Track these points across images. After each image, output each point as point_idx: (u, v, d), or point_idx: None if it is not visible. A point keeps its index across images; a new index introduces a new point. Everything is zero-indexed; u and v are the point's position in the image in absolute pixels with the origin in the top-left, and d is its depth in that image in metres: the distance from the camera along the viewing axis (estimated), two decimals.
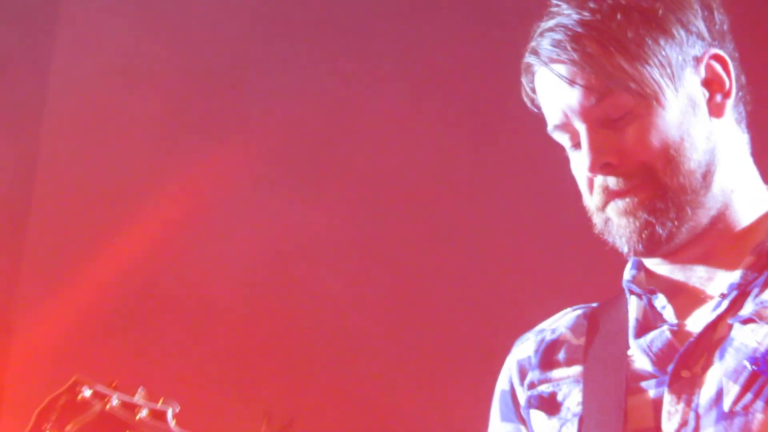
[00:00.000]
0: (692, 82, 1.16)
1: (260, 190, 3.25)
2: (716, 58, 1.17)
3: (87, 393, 1.19)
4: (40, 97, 4.31)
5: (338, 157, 3.23)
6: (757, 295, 1.10)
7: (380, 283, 3.06)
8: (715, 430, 1.04)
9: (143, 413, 1.18)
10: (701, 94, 1.16)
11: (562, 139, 1.21)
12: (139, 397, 1.21)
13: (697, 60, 1.16)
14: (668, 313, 1.19)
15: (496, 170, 2.99)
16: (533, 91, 1.23)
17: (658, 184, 1.13)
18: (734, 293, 1.12)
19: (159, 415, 1.17)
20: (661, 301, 1.21)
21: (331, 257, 3.13)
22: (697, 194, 1.15)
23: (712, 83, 1.17)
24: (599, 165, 1.14)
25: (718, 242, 1.18)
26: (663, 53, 1.12)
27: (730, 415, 1.03)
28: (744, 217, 1.19)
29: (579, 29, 1.12)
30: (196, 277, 3.15)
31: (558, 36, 1.13)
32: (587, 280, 1.50)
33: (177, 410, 1.20)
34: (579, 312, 1.33)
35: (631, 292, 1.25)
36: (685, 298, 1.20)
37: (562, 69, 1.13)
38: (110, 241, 3.30)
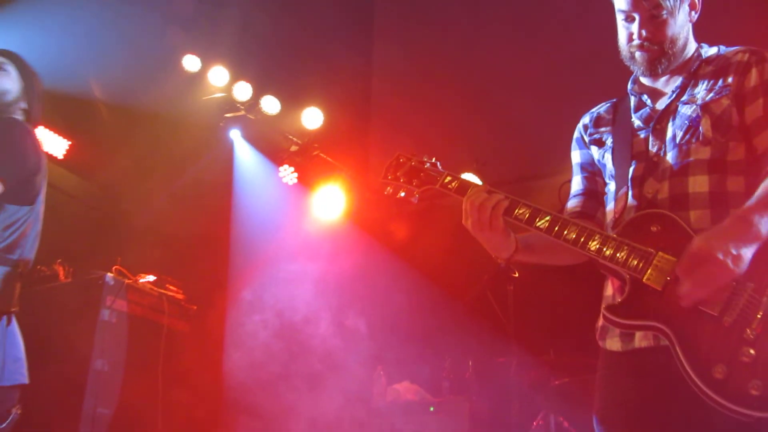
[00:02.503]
0: (688, 5, 2.24)
1: None
2: None
3: (421, 162, 2.41)
4: None
5: None
6: (690, 91, 2.21)
7: None
8: (672, 152, 2.16)
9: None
10: (689, 11, 2.25)
11: (621, 16, 2.23)
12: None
13: None
14: (649, 102, 2.31)
15: None
16: None
17: (663, 49, 2.20)
18: (678, 90, 2.24)
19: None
20: (645, 97, 2.32)
21: None
22: (678, 53, 2.23)
23: (694, 6, 2.26)
24: (642, 34, 2.18)
25: (675, 70, 2.26)
26: None
27: (679, 145, 2.15)
28: (687, 58, 2.27)
29: None
30: None
31: None
32: (611, 94, 2.52)
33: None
34: (608, 103, 2.48)
35: (631, 94, 2.38)
36: (657, 95, 2.31)
37: None
38: None
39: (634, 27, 2.19)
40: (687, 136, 2.14)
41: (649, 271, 1.94)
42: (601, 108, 2.48)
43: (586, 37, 5.25)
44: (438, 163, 2.40)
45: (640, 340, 2.07)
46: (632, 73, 2.37)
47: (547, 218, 2.10)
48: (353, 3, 7.20)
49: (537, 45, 5.99)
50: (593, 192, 2.41)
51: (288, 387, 5.64)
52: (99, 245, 5.99)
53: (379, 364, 5.62)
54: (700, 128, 2.11)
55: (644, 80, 2.34)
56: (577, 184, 2.47)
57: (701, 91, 2.18)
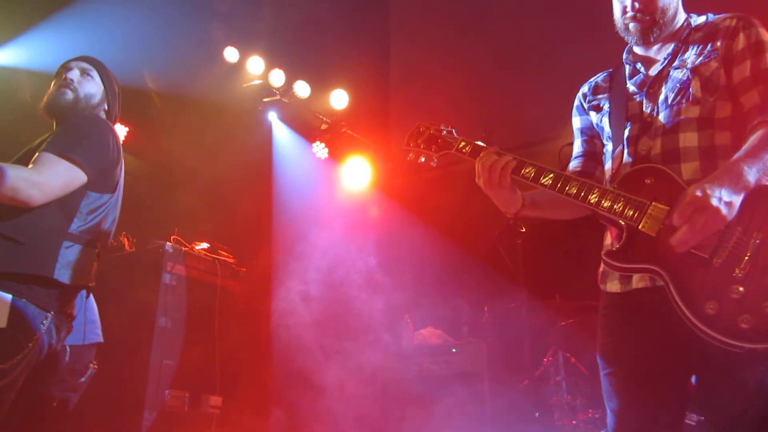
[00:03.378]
0: None
1: None
2: None
3: (439, 129, 2.37)
4: None
5: None
6: (680, 57, 2.14)
7: None
8: (664, 113, 2.09)
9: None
10: None
11: None
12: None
13: None
14: (642, 69, 2.23)
15: None
16: None
17: (655, 19, 2.13)
18: (669, 57, 2.16)
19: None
20: (639, 65, 2.24)
21: None
22: (668, 22, 2.16)
23: None
24: (635, 6, 2.12)
25: (666, 39, 2.19)
26: None
27: (671, 105, 2.08)
28: (677, 27, 2.19)
29: None
30: None
31: None
32: (607, 64, 2.43)
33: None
34: (605, 73, 2.39)
35: (625, 63, 2.30)
36: (650, 62, 2.23)
37: None
38: None
39: (627, 0, 2.14)
40: (678, 97, 2.07)
41: (644, 220, 1.90)
42: (599, 77, 2.41)
43: (580, 11, 5.14)
44: (453, 131, 2.37)
45: (637, 281, 2.04)
46: (626, 44, 2.29)
47: (551, 175, 2.07)
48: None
49: (534, 22, 5.87)
50: (592, 153, 2.36)
51: (327, 333, 5.66)
52: (158, 218, 6.02)
53: (405, 313, 5.62)
54: (690, 89, 2.05)
55: (637, 49, 2.27)
56: (577, 147, 2.42)
57: (691, 55, 2.11)
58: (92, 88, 2.80)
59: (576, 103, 2.46)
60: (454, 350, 5.09)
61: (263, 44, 6.42)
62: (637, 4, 2.12)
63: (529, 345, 4.69)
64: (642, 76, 2.22)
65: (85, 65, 2.82)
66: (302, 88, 6.50)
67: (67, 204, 2.50)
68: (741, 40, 2.04)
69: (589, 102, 2.38)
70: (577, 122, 2.44)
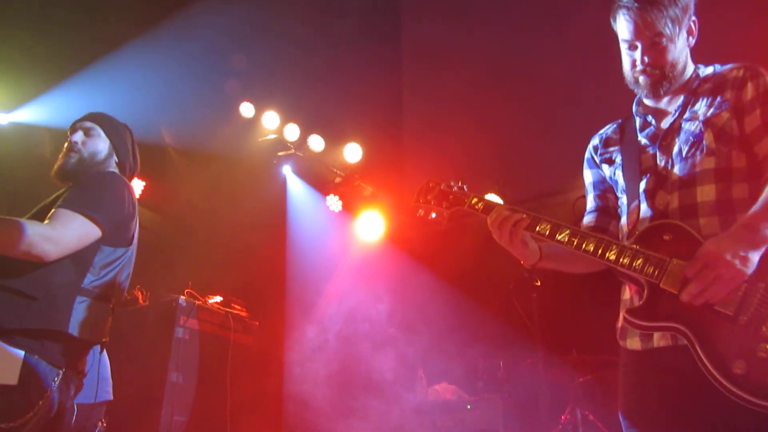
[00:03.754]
0: (686, 31, 2.14)
1: None
2: (694, 21, 2.16)
3: (449, 186, 2.35)
4: None
5: None
6: (691, 109, 2.13)
7: None
8: (679, 165, 2.07)
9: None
10: (687, 37, 2.15)
11: (624, 45, 2.16)
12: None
13: (689, 22, 2.14)
14: (653, 121, 2.22)
15: None
16: (614, 20, 2.17)
17: (665, 73, 2.12)
18: (680, 109, 2.16)
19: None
20: (650, 117, 2.24)
21: None
22: (678, 75, 2.14)
23: (692, 32, 2.17)
24: (644, 60, 2.11)
25: (676, 90, 2.17)
26: (683, 19, 2.10)
27: (686, 158, 2.06)
28: (686, 79, 2.18)
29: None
30: None
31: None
32: (620, 114, 2.41)
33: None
34: (615, 125, 2.39)
35: (636, 115, 2.29)
36: (660, 114, 2.22)
37: (641, 14, 2.06)
38: None
39: (637, 54, 2.12)
40: (692, 150, 2.05)
41: (664, 277, 1.86)
42: (609, 129, 2.39)
43: (593, 63, 5.18)
44: (464, 186, 2.35)
45: (659, 340, 1.98)
46: (635, 94, 2.28)
47: (567, 232, 2.04)
48: (383, 54, 7.23)
49: (547, 75, 5.93)
50: (605, 208, 2.33)
51: (340, 388, 5.57)
52: (173, 271, 6.02)
53: (419, 368, 5.52)
54: (704, 141, 2.03)
55: (648, 101, 2.25)
56: (590, 202, 2.40)
57: (702, 107, 2.10)
58: (97, 145, 2.81)
59: (587, 156, 2.43)
60: (468, 406, 4.98)
61: (278, 99, 6.52)
62: (646, 58, 2.10)
63: (546, 401, 4.57)
64: (653, 128, 2.20)
65: (88, 124, 2.84)
66: (316, 142, 6.56)
67: (80, 258, 2.50)
68: (750, 90, 2.03)
69: (600, 155, 2.36)
70: (588, 176, 2.42)
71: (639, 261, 1.91)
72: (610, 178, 2.31)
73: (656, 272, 1.88)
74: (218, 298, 5.45)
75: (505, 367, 5.13)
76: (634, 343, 2.07)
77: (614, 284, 2.24)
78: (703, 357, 1.77)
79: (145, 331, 4.85)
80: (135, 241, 2.79)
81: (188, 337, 4.89)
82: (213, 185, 6.73)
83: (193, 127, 6.42)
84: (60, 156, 2.80)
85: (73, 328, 2.42)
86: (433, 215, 2.37)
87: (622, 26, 2.13)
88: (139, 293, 5.15)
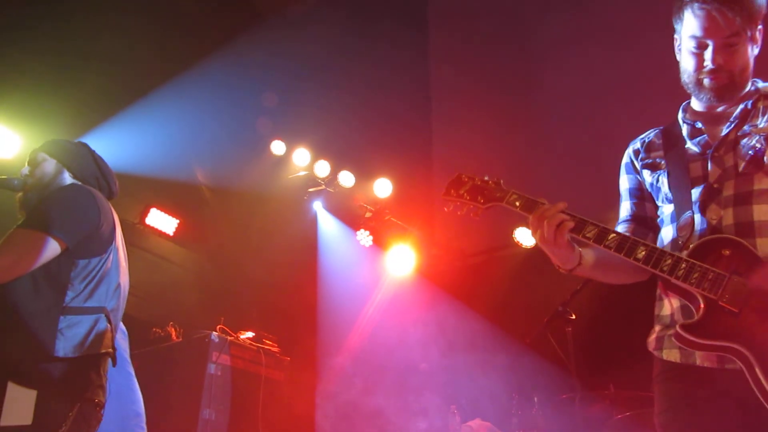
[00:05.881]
0: (758, 36, 1.99)
1: None
2: (760, 30, 1.99)
3: (485, 181, 2.17)
4: None
5: None
6: (749, 122, 1.96)
7: None
8: (734, 180, 1.91)
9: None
10: (752, 44, 1.98)
11: (692, 42, 1.97)
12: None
13: (761, 26, 1.98)
14: (704, 129, 2.04)
15: None
16: (680, 14, 2.01)
17: (734, 78, 1.96)
18: (737, 120, 1.98)
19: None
20: (699, 124, 2.06)
21: None
22: (744, 82, 2.00)
23: (755, 40, 1.98)
24: (716, 60, 1.93)
25: (734, 101, 2.01)
26: (758, 23, 1.96)
27: (742, 173, 1.90)
28: (746, 90, 2.02)
29: None
30: None
31: None
32: (657, 122, 2.26)
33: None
34: (656, 130, 2.21)
35: (684, 122, 2.12)
36: (713, 123, 2.04)
37: (720, 10, 1.89)
38: None
39: (707, 54, 1.94)
40: (750, 166, 1.89)
41: (724, 293, 1.74)
42: (650, 134, 2.22)
43: (628, 94, 5.12)
44: (501, 181, 2.16)
45: (702, 359, 1.84)
46: (678, 101, 2.16)
47: (615, 237, 1.89)
48: (412, 86, 7.27)
49: (575, 107, 5.87)
50: (642, 218, 2.16)
51: (372, 425, 5.47)
52: (205, 308, 6.03)
53: (452, 403, 5.40)
54: (766, 159, 1.88)
55: (698, 108, 2.09)
56: (625, 210, 2.21)
57: (763, 122, 1.94)
58: (44, 168, 2.75)
59: (626, 160, 2.25)
60: None
61: (309, 137, 6.58)
62: (719, 59, 1.92)
63: None
64: (706, 136, 2.03)
65: (32, 156, 2.80)
66: (347, 178, 6.59)
67: (54, 278, 2.44)
68: None
69: (642, 159, 2.17)
70: (625, 182, 2.23)
71: (696, 274, 1.78)
72: (652, 185, 2.13)
73: (715, 287, 1.75)
74: (250, 334, 5.43)
75: (540, 403, 4.99)
76: (672, 354, 1.92)
77: (651, 316, 2.14)
78: (764, 381, 1.63)
79: (178, 367, 4.84)
80: (114, 248, 2.68)
81: (220, 373, 4.87)
82: (245, 222, 6.77)
83: (226, 165, 6.50)
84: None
85: (64, 349, 2.36)
86: (465, 210, 2.18)
87: (692, 22, 1.95)
88: (173, 329, 5.16)
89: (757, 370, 1.65)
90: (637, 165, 2.19)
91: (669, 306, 1.99)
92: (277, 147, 6.46)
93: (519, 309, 5.40)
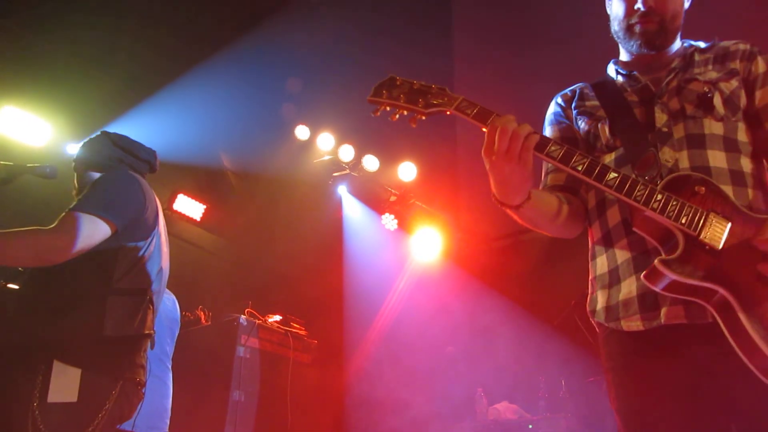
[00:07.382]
0: None
1: None
2: None
3: (427, 85, 1.94)
4: None
5: None
6: (691, 71, 1.90)
7: None
8: (683, 124, 1.81)
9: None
10: None
11: None
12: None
13: None
14: (640, 78, 1.96)
15: None
16: None
17: (665, 24, 1.91)
18: (677, 69, 1.92)
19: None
20: (635, 74, 1.98)
21: None
22: (675, 31, 1.96)
23: None
24: (646, 5, 1.89)
25: (664, 55, 1.98)
26: None
27: (691, 117, 1.82)
28: (677, 45, 2.01)
29: None
30: None
31: None
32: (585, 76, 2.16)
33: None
34: (582, 84, 2.11)
35: (618, 73, 2.04)
36: (650, 72, 1.97)
37: None
38: None
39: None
40: (699, 110, 1.81)
41: (705, 230, 1.58)
42: (577, 87, 2.11)
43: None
44: (446, 88, 1.89)
45: (669, 315, 1.65)
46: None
47: (584, 160, 1.66)
48: (436, 73, 7.23)
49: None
50: None
51: (399, 406, 5.51)
52: (233, 292, 6.11)
53: (479, 386, 5.42)
54: (714, 104, 1.81)
55: (627, 59, 2.04)
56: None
57: (707, 72, 1.88)
58: (83, 178, 2.79)
59: (554, 109, 2.11)
60: (530, 426, 4.85)
61: (333, 121, 6.58)
62: (650, 1, 1.88)
63: (610, 421, 4.41)
64: (645, 84, 1.93)
65: (75, 172, 2.83)
66: (371, 162, 6.59)
67: (102, 259, 2.49)
68: (761, 64, 1.87)
69: (577, 107, 2.03)
70: (556, 132, 2.06)
71: (673, 207, 1.60)
72: (588, 132, 1.97)
73: (695, 225, 1.58)
74: (277, 317, 5.49)
75: (567, 386, 4.98)
76: (632, 323, 1.72)
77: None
78: (749, 329, 1.47)
79: (208, 351, 4.91)
80: (159, 234, 2.72)
81: (249, 355, 4.94)
82: (271, 207, 6.82)
83: (251, 151, 6.54)
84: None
85: (112, 329, 2.40)
86: (398, 116, 1.92)
87: None
88: (202, 313, 5.23)
89: (741, 315, 1.50)
90: (572, 113, 2.04)
91: (610, 260, 1.85)
92: (302, 132, 6.48)
93: (546, 292, 5.39)
